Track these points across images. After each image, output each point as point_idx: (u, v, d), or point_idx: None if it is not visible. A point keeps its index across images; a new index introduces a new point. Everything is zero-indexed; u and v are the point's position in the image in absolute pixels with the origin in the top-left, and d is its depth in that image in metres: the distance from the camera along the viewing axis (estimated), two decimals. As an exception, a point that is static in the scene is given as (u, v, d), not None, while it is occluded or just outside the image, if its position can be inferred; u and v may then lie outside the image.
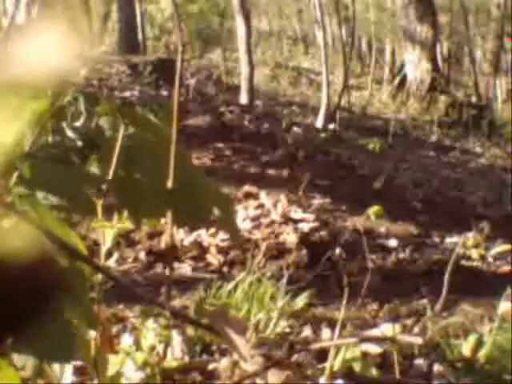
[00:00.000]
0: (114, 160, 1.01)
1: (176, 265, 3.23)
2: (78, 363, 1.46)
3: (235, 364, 1.95)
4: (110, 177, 1.03)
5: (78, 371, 1.38)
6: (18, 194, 0.83)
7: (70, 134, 1.09)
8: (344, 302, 1.92)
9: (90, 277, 0.98)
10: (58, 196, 0.91)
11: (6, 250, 0.52)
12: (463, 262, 3.72)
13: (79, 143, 1.06)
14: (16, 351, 0.74)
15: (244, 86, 8.06)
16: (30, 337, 0.58)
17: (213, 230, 3.52)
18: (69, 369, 1.33)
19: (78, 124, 1.11)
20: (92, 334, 1.21)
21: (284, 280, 2.65)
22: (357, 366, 1.97)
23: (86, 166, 1.04)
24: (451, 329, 2.55)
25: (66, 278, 0.63)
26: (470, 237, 4.12)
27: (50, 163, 0.96)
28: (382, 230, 4.05)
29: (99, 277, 1.16)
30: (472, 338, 2.31)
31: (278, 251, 3.39)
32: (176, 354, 2.02)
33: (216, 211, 1.10)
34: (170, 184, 1.04)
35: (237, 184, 4.32)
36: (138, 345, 1.80)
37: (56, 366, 1.19)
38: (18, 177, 0.89)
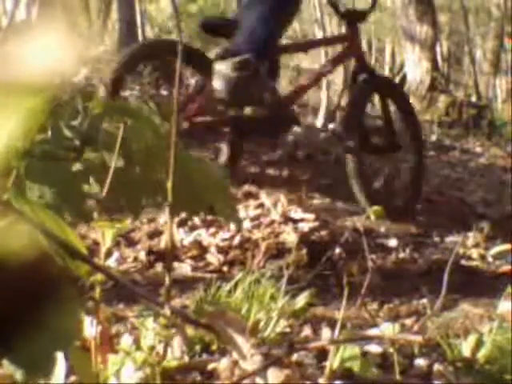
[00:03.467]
0: (115, 156, 1.01)
1: (176, 264, 3.23)
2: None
3: (235, 363, 1.95)
4: (107, 172, 1.03)
5: (73, 371, 1.38)
6: (16, 193, 0.83)
7: (67, 132, 1.09)
8: (344, 301, 1.92)
9: (89, 276, 0.98)
10: (56, 195, 0.91)
11: (3, 250, 0.52)
12: (463, 262, 3.72)
13: (77, 142, 1.07)
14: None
15: (244, 85, 8.05)
16: (15, 342, 0.58)
17: (213, 229, 3.52)
18: (62, 369, 1.32)
19: (75, 123, 1.11)
20: (92, 333, 1.21)
21: (284, 280, 2.65)
22: (355, 365, 1.96)
23: (80, 161, 1.04)
24: (451, 328, 2.54)
25: (64, 278, 0.63)
26: (470, 236, 4.12)
27: (47, 162, 0.96)
28: (382, 229, 4.05)
29: (99, 276, 1.16)
30: (472, 338, 2.31)
31: (278, 251, 3.39)
32: (176, 354, 2.02)
33: (215, 200, 1.10)
34: (169, 180, 1.04)
35: (237, 184, 4.32)
36: (137, 344, 1.79)
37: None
38: (15, 176, 0.89)
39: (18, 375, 0.73)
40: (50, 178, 0.93)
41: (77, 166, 1.01)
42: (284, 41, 16.78)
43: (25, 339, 0.63)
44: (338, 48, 5.18)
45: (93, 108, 1.05)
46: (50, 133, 1.04)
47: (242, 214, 3.70)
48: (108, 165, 1.01)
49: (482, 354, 2.25)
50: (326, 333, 2.45)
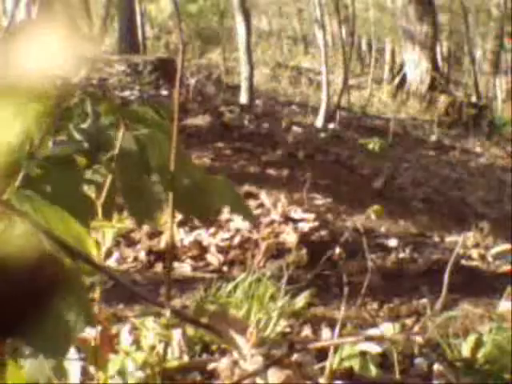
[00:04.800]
0: (113, 161, 1.01)
1: (176, 264, 3.23)
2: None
3: (235, 363, 1.95)
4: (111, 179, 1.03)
5: (84, 373, 1.38)
6: (22, 194, 0.82)
7: (76, 135, 1.09)
8: (344, 301, 1.92)
9: (90, 275, 0.98)
10: (62, 197, 0.91)
11: (6, 250, 0.52)
12: (463, 262, 3.72)
13: (86, 145, 1.06)
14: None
15: (244, 85, 8.06)
16: (29, 334, 0.58)
17: (213, 229, 3.52)
18: (77, 368, 1.33)
19: (84, 125, 1.11)
20: (92, 333, 1.21)
21: (284, 280, 2.65)
22: (355, 364, 1.97)
23: (92, 167, 1.04)
24: (451, 328, 2.54)
25: (67, 276, 0.63)
26: (470, 236, 4.12)
27: (54, 164, 0.96)
28: (382, 229, 4.05)
29: (99, 276, 1.16)
30: (472, 338, 2.31)
31: (278, 251, 3.39)
32: (176, 354, 2.02)
33: (225, 200, 1.10)
34: (173, 182, 1.04)
35: (237, 184, 4.31)
36: (137, 344, 1.79)
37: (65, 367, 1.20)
38: (23, 177, 0.89)
39: (42, 380, 0.73)
40: (61, 181, 0.93)
41: (89, 172, 1.01)
42: (285, 41, 16.51)
43: (39, 328, 0.64)
44: (339, 49, 5.19)
45: (104, 113, 1.05)
46: (59, 135, 1.04)
47: (242, 213, 3.69)
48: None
49: (481, 354, 2.25)
50: (326, 333, 2.45)
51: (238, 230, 3.46)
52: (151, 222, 1.09)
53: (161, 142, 1.05)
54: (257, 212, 3.78)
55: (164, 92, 7.73)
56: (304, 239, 3.48)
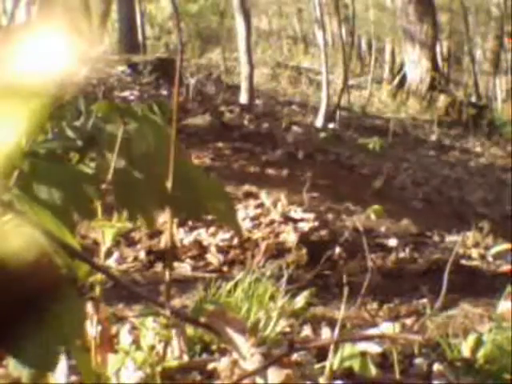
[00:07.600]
0: (114, 157, 1.01)
1: (176, 264, 3.23)
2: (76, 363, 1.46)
3: (235, 363, 1.95)
4: (109, 174, 1.03)
5: (75, 371, 1.38)
6: (18, 193, 0.82)
7: (69, 133, 1.09)
8: (344, 301, 1.92)
9: (89, 276, 0.98)
10: (58, 195, 0.91)
11: (3, 250, 0.52)
12: (463, 262, 3.72)
13: (79, 143, 1.07)
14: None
15: (244, 85, 8.06)
16: (19, 341, 0.58)
17: (213, 229, 3.52)
18: (63, 368, 1.33)
19: (77, 123, 1.11)
20: (92, 333, 1.21)
21: (284, 279, 2.65)
22: (355, 364, 1.96)
23: (83, 163, 1.04)
24: (451, 328, 2.54)
25: (63, 279, 0.63)
26: (470, 236, 4.12)
27: (49, 162, 0.96)
28: (382, 229, 4.05)
29: (99, 276, 1.16)
30: (472, 338, 2.31)
31: (278, 251, 3.39)
32: (176, 354, 2.02)
33: (216, 206, 1.10)
34: (169, 180, 1.04)
35: (237, 184, 4.31)
36: (137, 344, 1.79)
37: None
38: (18, 176, 0.89)
39: (25, 378, 0.73)
40: (55, 178, 0.93)
41: (81, 168, 1.02)
42: (285, 41, 16.56)
43: (28, 338, 0.63)
44: (339, 49, 5.18)
45: (96, 110, 1.05)
46: (52, 133, 1.04)
47: (241, 213, 3.70)
48: (111, 166, 1.01)
49: (481, 354, 2.25)
50: (325, 333, 2.45)
51: (238, 236, 3.45)
52: (143, 215, 1.09)
53: (148, 136, 1.05)
54: (257, 212, 3.78)
55: (164, 92, 7.73)
56: (304, 239, 3.48)
